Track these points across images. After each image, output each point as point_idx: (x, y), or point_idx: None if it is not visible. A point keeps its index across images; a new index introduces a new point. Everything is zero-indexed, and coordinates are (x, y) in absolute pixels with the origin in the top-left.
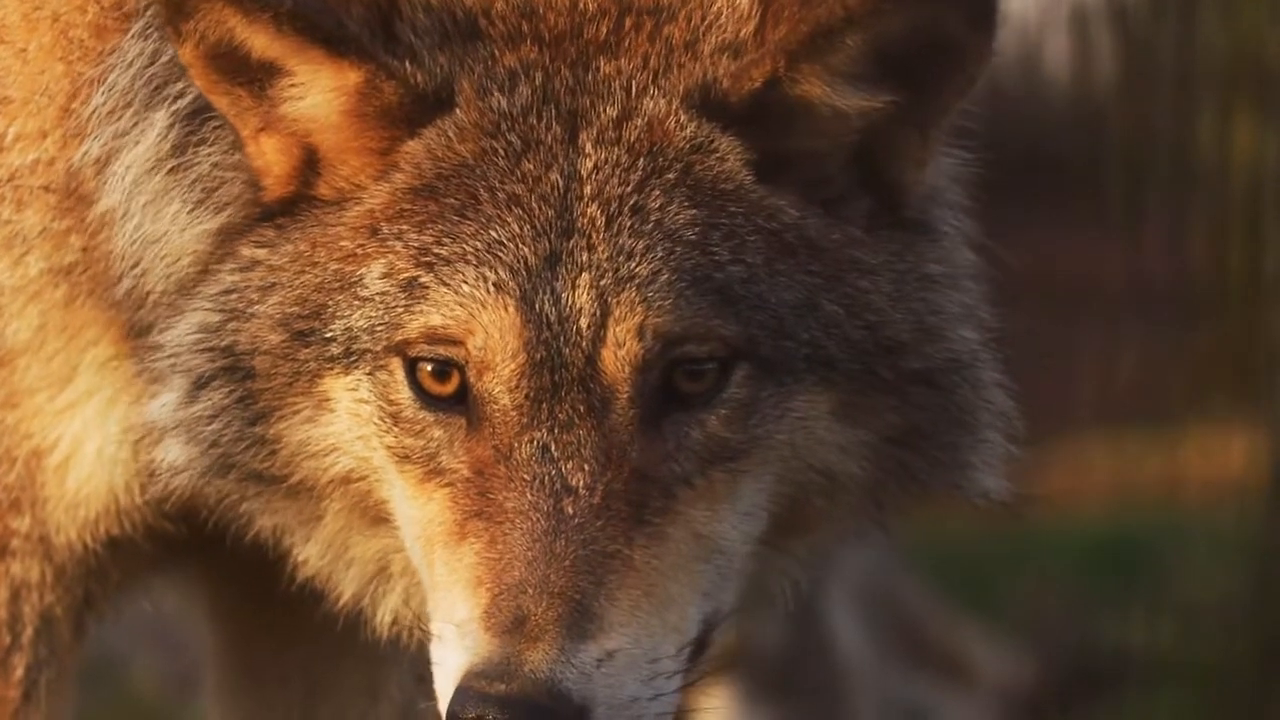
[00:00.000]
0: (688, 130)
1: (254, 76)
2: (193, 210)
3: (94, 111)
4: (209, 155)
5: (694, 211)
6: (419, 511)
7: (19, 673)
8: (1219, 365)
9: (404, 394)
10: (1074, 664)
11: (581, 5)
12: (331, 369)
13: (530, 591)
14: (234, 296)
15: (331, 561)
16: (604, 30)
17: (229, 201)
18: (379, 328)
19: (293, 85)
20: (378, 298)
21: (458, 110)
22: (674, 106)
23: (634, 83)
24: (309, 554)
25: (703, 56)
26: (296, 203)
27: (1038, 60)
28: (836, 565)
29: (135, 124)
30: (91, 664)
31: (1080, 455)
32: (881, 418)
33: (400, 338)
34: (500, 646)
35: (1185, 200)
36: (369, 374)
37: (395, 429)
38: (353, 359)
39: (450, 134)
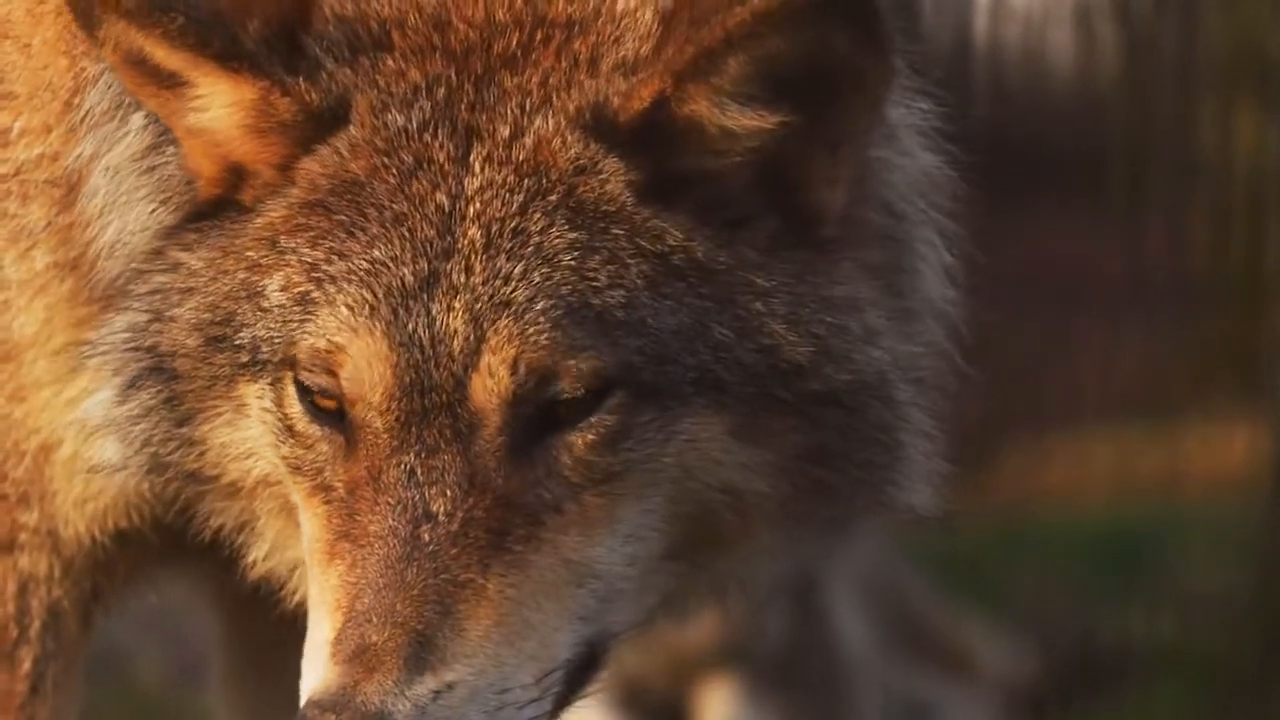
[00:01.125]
0: (573, 151)
1: (169, 83)
2: (155, 210)
3: (89, 110)
4: (176, 155)
5: (575, 235)
6: (307, 525)
7: (26, 666)
8: (1220, 359)
9: (295, 407)
10: (1075, 658)
11: (494, 17)
12: (243, 375)
13: (375, 620)
14: (158, 298)
15: (277, 563)
16: (513, 44)
17: (187, 201)
18: (277, 340)
19: (198, 96)
20: (276, 310)
21: (352, 127)
22: (562, 126)
23: (529, 100)
24: (256, 554)
25: (600, 74)
26: (223, 206)
27: (1041, 54)
28: (839, 561)
29: (120, 123)
30: (98, 657)
31: (1081, 449)
32: (785, 438)
33: (293, 353)
34: (340, 676)
35: (1187, 194)
36: (270, 384)
37: (290, 440)
38: (258, 368)
39: (343, 151)
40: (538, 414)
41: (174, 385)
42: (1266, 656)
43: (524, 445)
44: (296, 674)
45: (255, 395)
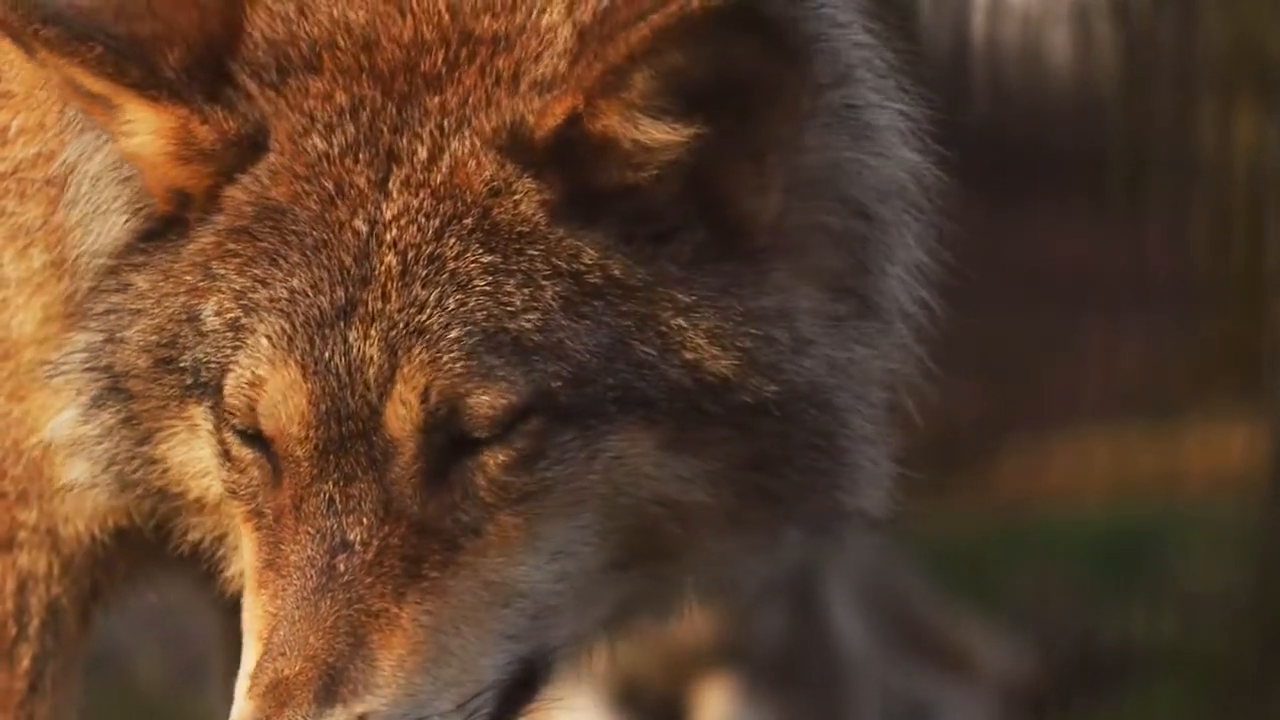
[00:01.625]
0: (487, 172)
1: (103, 107)
2: (128, 220)
3: (73, 116)
4: None
5: (490, 259)
6: (243, 550)
7: (25, 664)
8: (1220, 358)
9: (228, 433)
10: (1075, 657)
11: (421, 35)
12: (191, 396)
13: (288, 654)
14: (112, 318)
15: None
16: (438, 62)
17: (148, 216)
18: (213, 364)
19: (127, 121)
20: (212, 335)
21: (272, 154)
22: (477, 147)
23: (448, 121)
24: (235, 568)
25: (519, 93)
26: (173, 224)
27: (1039, 53)
28: (837, 559)
29: (100, 131)
30: (97, 655)
31: (1081, 449)
32: (720, 448)
33: (221, 380)
34: (253, 710)
35: (1186, 193)
36: (210, 407)
37: (227, 463)
38: (201, 390)
39: (264, 178)
40: (452, 439)
41: (131, 405)
42: (1266, 655)
43: (440, 470)
44: None
45: (202, 416)
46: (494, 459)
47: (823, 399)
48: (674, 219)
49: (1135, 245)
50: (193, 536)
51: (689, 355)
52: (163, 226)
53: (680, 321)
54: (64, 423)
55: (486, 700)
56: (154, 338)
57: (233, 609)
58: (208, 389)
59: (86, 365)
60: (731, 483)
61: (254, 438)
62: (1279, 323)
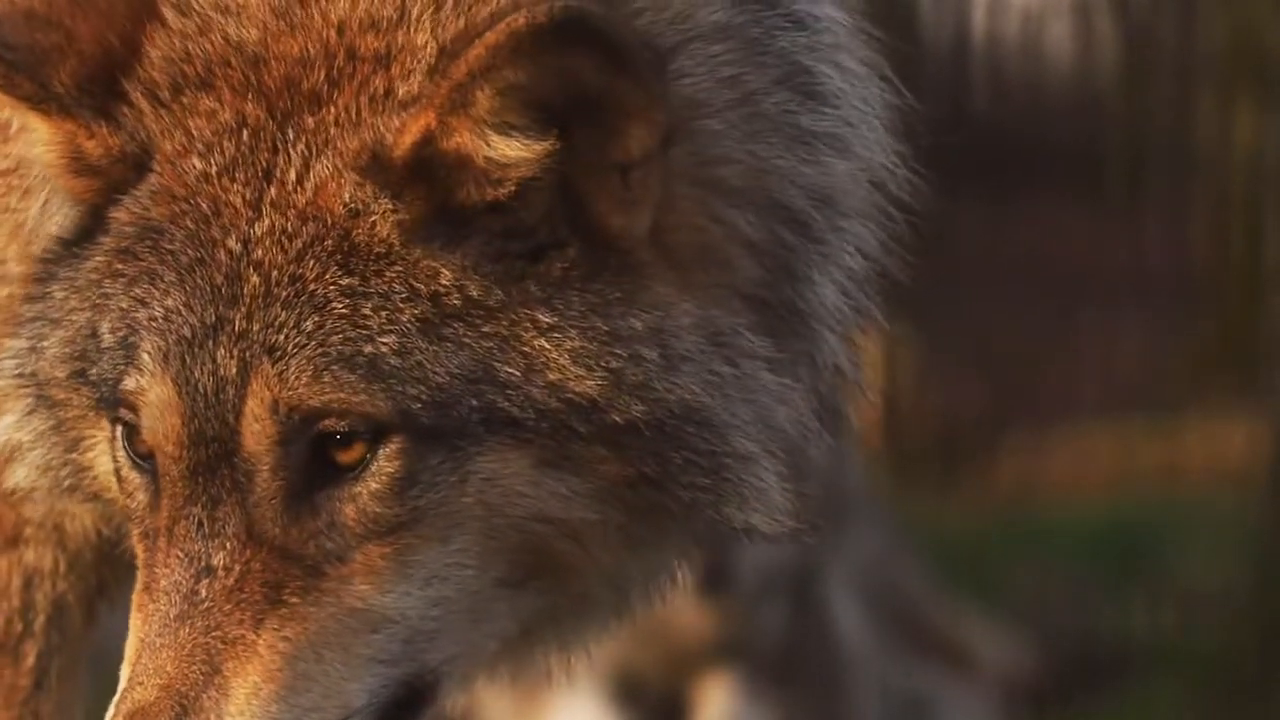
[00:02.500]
0: (347, 193)
1: (17, 113)
2: (57, 228)
3: None
4: None
5: (347, 281)
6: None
7: (30, 660)
8: (1219, 353)
9: (121, 453)
10: (1075, 652)
11: (307, 53)
12: (101, 408)
13: (145, 682)
14: (36, 326)
15: None
16: (320, 80)
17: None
18: (109, 380)
19: (31, 130)
20: (108, 352)
21: (153, 174)
22: (340, 168)
23: (316, 141)
24: None
25: (385, 111)
26: (83, 235)
27: (1039, 49)
28: (838, 555)
29: None
30: (102, 651)
31: (1081, 444)
32: (598, 467)
33: (116, 396)
34: None
35: (1185, 189)
36: (111, 423)
37: (120, 483)
38: (104, 404)
39: (145, 198)
40: (314, 462)
41: (58, 413)
42: (1265, 650)
43: (304, 495)
44: None
45: (108, 432)
46: (365, 488)
47: (700, 417)
48: (545, 236)
49: (1134, 240)
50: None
51: (553, 376)
52: (77, 236)
53: (543, 342)
54: (3, 428)
55: None
56: (67, 349)
57: None
58: (108, 404)
59: (16, 372)
60: (617, 500)
61: (142, 459)
62: (1278, 318)
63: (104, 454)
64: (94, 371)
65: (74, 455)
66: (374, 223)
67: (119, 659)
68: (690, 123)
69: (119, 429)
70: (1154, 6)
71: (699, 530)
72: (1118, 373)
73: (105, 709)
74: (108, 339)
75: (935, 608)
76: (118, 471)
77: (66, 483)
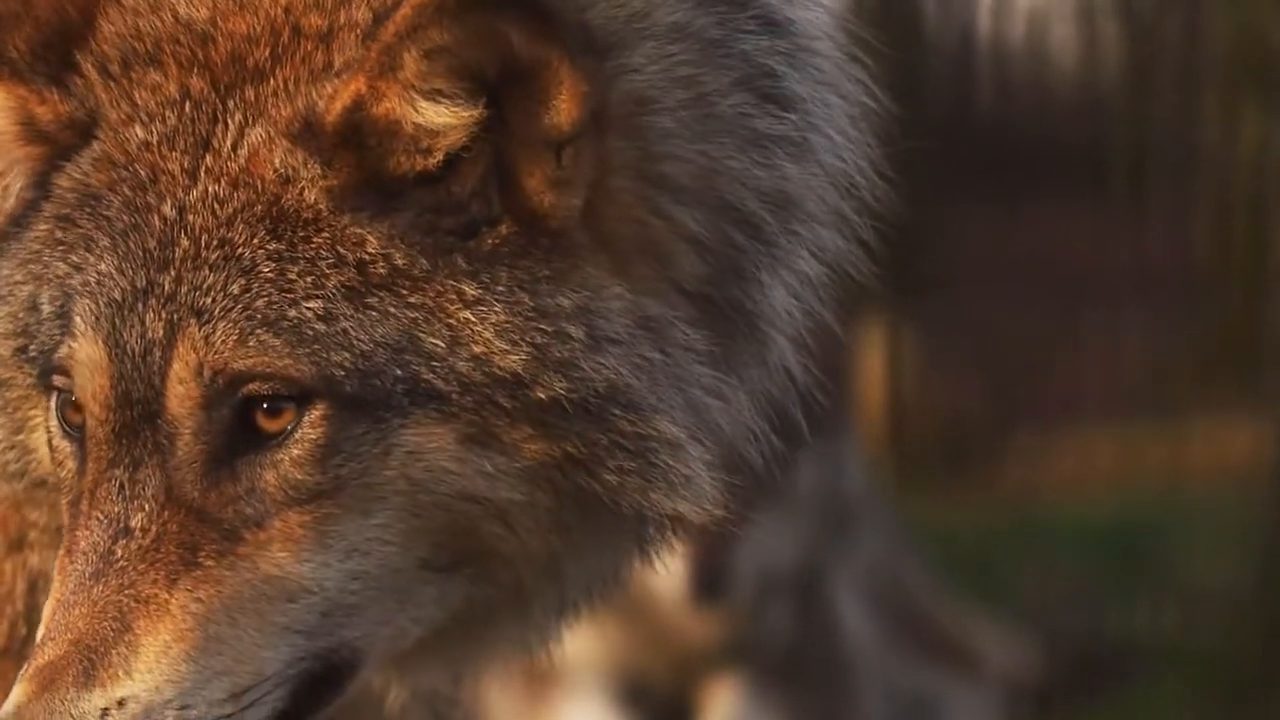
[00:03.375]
0: (278, 159)
1: None
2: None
3: None
4: None
5: (275, 245)
6: None
7: None
8: (1223, 353)
9: (53, 421)
10: (1080, 651)
11: (253, 30)
12: (41, 386)
13: (56, 637)
14: None
15: None
16: (264, 56)
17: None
18: (47, 351)
19: None
20: (46, 323)
21: (97, 142)
22: (272, 135)
23: (254, 110)
24: None
25: (320, 80)
26: (31, 208)
27: (1044, 50)
28: (842, 556)
29: None
30: None
31: (1086, 444)
32: (525, 446)
33: (51, 364)
34: (22, 693)
35: (1190, 189)
36: (46, 391)
37: (52, 453)
38: (43, 377)
39: (87, 165)
40: (238, 428)
41: (4, 394)
42: (1269, 650)
43: (226, 460)
44: None
45: (46, 413)
46: (288, 455)
47: (626, 399)
48: (477, 212)
49: (1138, 241)
50: None
51: (477, 349)
52: (25, 210)
53: (468, 315)
54: None
55: (272, 693)
56: (11, 325)
57: None
58: (45, 375)
59: None
60: (545, 481)
61: (72, 428)
62: None
63: (44, 434)
64: (34, 346)
65: (20, 438)
66: (303, 189)
67: None
68: (638, 118)
69: (53, 398)
70: (1159, 7)
71: (632, 524)
72: (1122, 373)
73: None
74: (46, 309)
75: (940, 608)
76: (50, 441)
77: (12, 467)
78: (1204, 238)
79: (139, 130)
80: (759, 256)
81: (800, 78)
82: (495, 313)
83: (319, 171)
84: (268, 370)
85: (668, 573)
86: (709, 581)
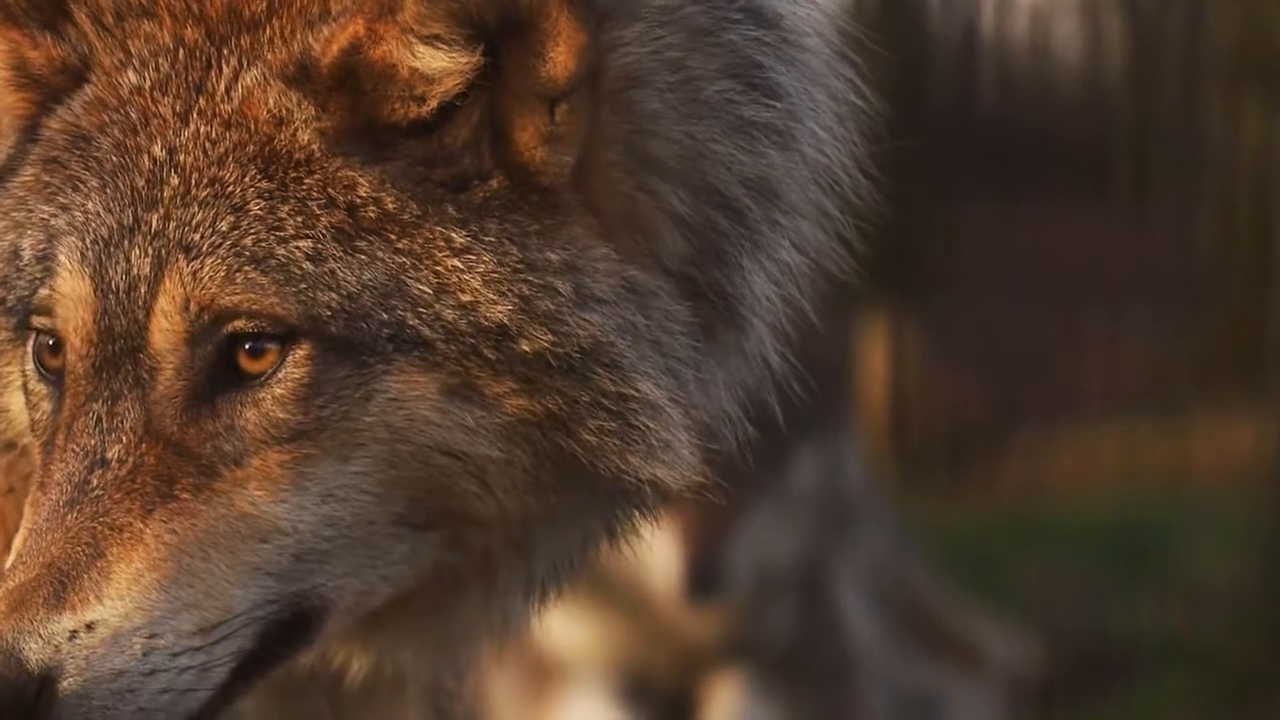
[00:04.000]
0: (272, 101)
1: None
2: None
3: None
4: None
5: (266, 184)
6: None
7: None
8: (1226, 351)
9: (30, 365)
10: (1083, 650)
11: None
12: (18, 339)
13: (28, 561)
14: None
15: None
16: (260, 7)
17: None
18: (26, 298)
19: None
20: (26, 270)
21: (89, 86)
22: (268, 77)
23: (249, 56)
24: None
25: (316, 26)
26: (14, 159)
27: (1047, 47)
28: (845, 554)
29: None
30: None
31: (1089, 443)
32: (508, 401)
33: (30, 306)
34: None
35: (1193, 187)
36: (22, 333)
37: (27, 397)
38: (20, 327)
39: (78, 108)
40: (220, 366)
41: None
42: (1273, 648)
43: (207, 396)
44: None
45: (22, 360)
46: (270, 393)
47: (609, 358)
48: (469, 165)
49: (1141, 239)
50: None
51: (464, 298)
52: (12, 159)
53: (455, 262)
54: None
55: (240, 631)
56: None
57: None
58: (22, 320)
59: None
60: (524, 440)
61: (50, 372)
62: None
63: (16, 391)
64: (12, 297)
65: None
66: (296, 130)
67: None
68: (628, 94)
69: (31, 342)
70: (1162, 5)
71: (606, 496)
72: (1124, 371)
73: None
74: (28, 255)
75: (943, 606)
76: (25, 385)
77: None
78: (1207, 235)
79: (132, 75)
80: (741, 241)
81: (787, 71)
82: (483, 262)
83: (313, 113)
84: (254, 308)
85: (663, 569)
86: (702, 577)
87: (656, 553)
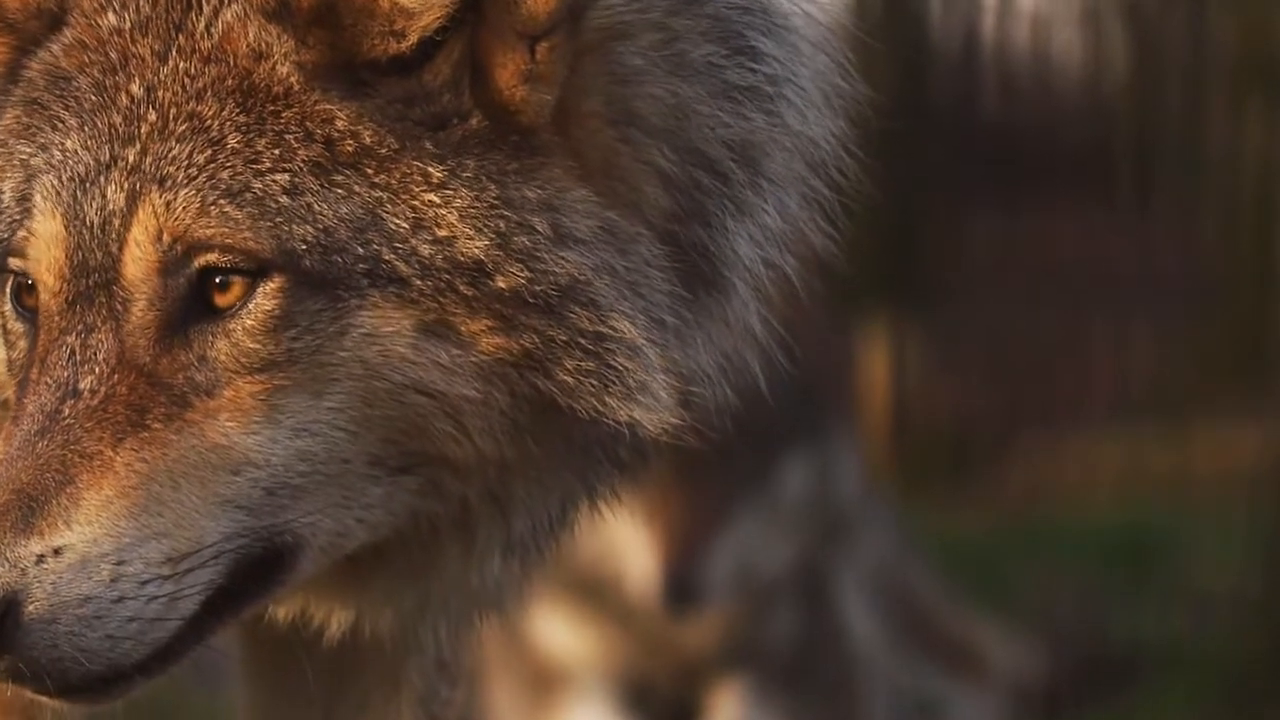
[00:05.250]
0: (252, 35)
1: None
2: None
3: None
4: None
5: (243, 118)
6: None
7: None
8: (1230, 357)
9: (7, 306)
10: (1086, 656)
11: None
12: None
13: None
14: None
15: None
16: None
17: None
18: (4, 240)
19: None
20: (7, 211)
21: (68, 29)
22: (248, 12)
23: None
24: None
25: None
26: None
27: (1049, 53)
28: (847, 559)
29: None
30: None
31: (1091, 448)
32: (485, 339)
33: (7, 248)
34: None
35: (1195, 192)
36: (6, 284)
37: (4, 336)
38: (1, 268)
39: (57, 50)
40: (192, 295)
41: None
42: (1276, 654)
43: (179, 327)
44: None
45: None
46: (240, 324)
47: (586, 297)
48: (448, 104)
49: (1144, 244)
50: None
51: (441, 233)
52: None
53: (433, 197)
54: None
55: (209, 563)
56: None
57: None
58: (3, 269)
59: None
60: (501, 379)
61: (26, 310)
62: None
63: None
64: None
65: None
66: (275, 64)
67: None
68: (611, 45)
69: (8, 284)
70: (1163, 10)
71: (580, 425)
72: (1128, 376)
73: (110, 711)
74: (7, 197)
75: (946, 611)
76: (3, 326)
77: None
78: (1210, 240)
79: (111, 17)
80: (724, 202)
81: (770, 44)
82: (461, 197)
83: (292, 47)
84: (227, 242)
85: (643, 580)
86: (679, 588)
87: (637, 563)
